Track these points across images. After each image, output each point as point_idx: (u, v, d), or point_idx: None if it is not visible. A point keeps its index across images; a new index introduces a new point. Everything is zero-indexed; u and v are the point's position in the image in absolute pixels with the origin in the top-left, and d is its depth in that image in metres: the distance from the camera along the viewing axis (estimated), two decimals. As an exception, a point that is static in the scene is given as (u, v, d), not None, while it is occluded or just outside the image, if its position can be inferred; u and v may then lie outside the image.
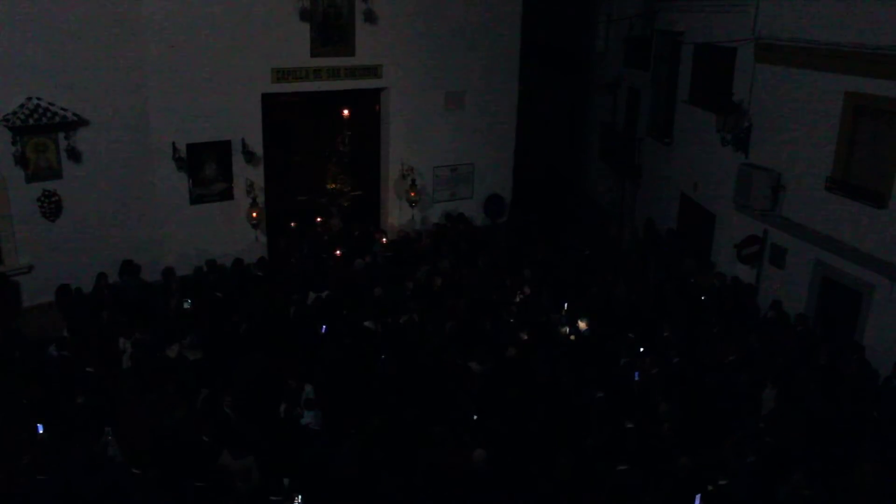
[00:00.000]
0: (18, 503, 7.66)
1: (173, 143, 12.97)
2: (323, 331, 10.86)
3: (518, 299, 12.19)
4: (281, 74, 13.75)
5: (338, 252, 13.81)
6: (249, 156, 13.69)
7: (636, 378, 9.89)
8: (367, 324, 11.08)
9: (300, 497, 7.42)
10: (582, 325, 11.03)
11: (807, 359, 10.11)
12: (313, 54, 13.94)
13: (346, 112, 14.41)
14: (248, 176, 13.82)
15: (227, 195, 13.82)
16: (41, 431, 8.36)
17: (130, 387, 9.46)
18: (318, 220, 14.67)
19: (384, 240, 14.37)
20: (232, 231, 13.92)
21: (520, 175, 17.06)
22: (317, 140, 15.30)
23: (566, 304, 11.79)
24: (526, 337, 10.82)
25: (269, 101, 13.90)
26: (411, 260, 13.57)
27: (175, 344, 10.25)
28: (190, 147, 13.17)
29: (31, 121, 11.52)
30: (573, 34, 20.55)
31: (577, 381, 9.70)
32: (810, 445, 8.44)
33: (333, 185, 14.38)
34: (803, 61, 11.21)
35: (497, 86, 15.97)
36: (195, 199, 13.54)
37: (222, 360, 10.07)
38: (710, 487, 7.84)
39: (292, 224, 14.53)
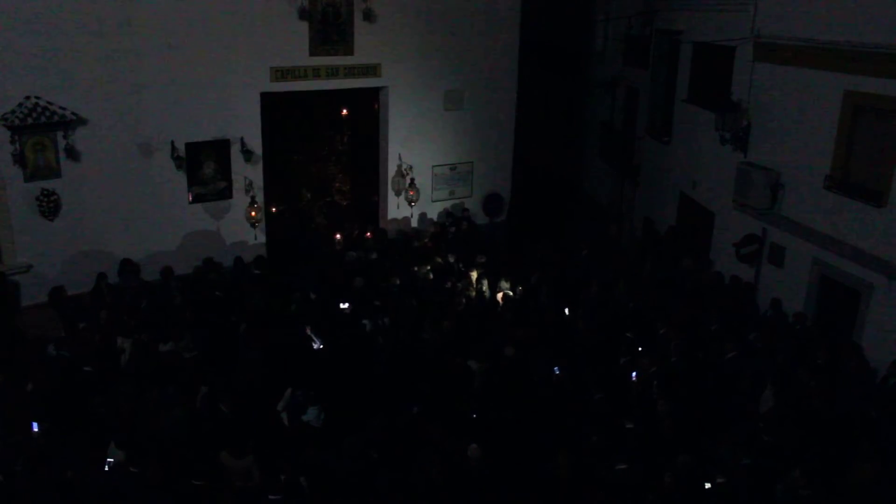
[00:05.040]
0: (18, 502, 7.66)
1: (172, 142, 12.96)
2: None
3: (517, 297, 12.22)
4: (280, 73, 13.74)
5: (338, 236, 13.98)
6: (248, 155, 13.68)
7: (633, 378, 9.89)
8: (364, 322, 11.13)
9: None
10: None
11: (805, 358, 10.12)
12: (312, 53, 13.93)
13: (344, 111, 14.41)
14: (246, 175, 13.83)
15: (225, 194, 13.82)
16: (36, 429, 8.36)
17: (129, 386, 9.44)
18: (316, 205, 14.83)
19: (369, 234, 14.48)
20: (231, 230, 13.92)
21: (519, 174, 17.06)
22: (316, 139, 15.31)
23: (566, 303, 11.81)
24: (524, 336, 10.82)
25: (267, 100, 13.90)
26: (401, 257, 13.62)
27: (173, 342, 10.26)
28: (189, 146, 13.17)
29: (29, 120, 11.51)
30: (572, 33, 20.53)
31: (577, 380, 9.71)
32: (808, 444, 8.45)
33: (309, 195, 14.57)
34: (802, 60, 11.21)
35: (496, 84, 15.97)
36: (194, 199, 13.54)
37: (221, 359, 10.07)
38: (708, 485, 7.86)
39: (274, 210, 14.48)
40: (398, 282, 12.32)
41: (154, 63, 12.57)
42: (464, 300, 12.01)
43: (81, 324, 10.89)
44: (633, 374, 9.95)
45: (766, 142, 12.15)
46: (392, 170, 15.38)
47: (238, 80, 13.33)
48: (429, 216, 15.94)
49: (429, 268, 13.25)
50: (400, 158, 15.25)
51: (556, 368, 9.77)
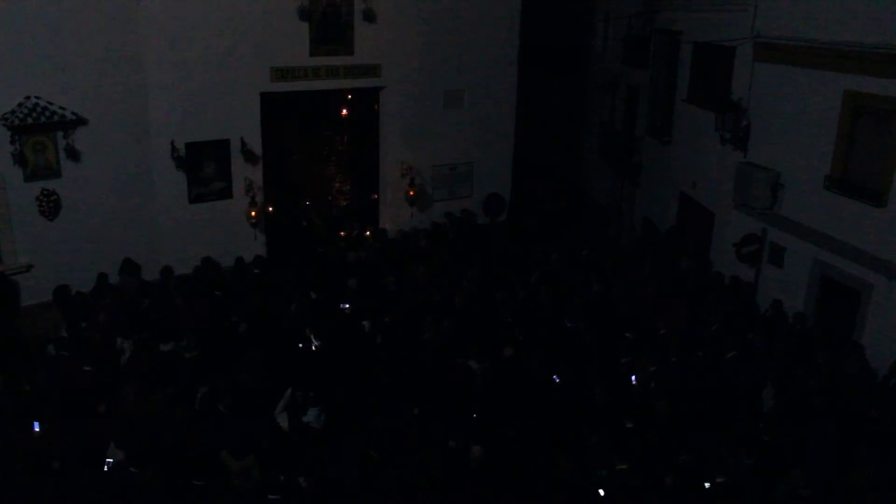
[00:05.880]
0: (17, 502, 7.66)
1: (172, 142, 12.96)
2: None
3: (517, 297, 12.21)
4: (280, 73, 13.74)
5: (342, 234, 14.08)
6: (248, 155, 13.68)
7: (633, 379, 9.89)
8: (363, 323, 11.13)
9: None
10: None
11: (805, 358, 10.12)
12: (312, 53, 13.93)
13: (344, 111, 14.41)
14: (246, 175, 13.82)
15: (225, 194, 13.82)
16: (36, 429, 8.36)
17: (129, 386, 9.44)
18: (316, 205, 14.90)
19: (367, 234, 14.46)
20: (231, 230, 13.92)
21: (519, 174, 17.06)
22: (316, 139, 15.30)
23: (566, 303, 11.80)
24: (523, 336, 10.81)
25: (267, 99, 13.90)
26: (401, 257, 13.62)
27: (173, 342, 10.26)
28: (189, 146, 13.17)
29: (29, 120, 11.50)
30: (572, 33, 20.54)
31: (577, 380, 9.71)
32: (808, 444, 8.45)
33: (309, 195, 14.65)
34: (802, 60, 11.22)
35: (496, 84, 15.97)
36: (194, 198, 13.54)
37: (221, 359, 10.07)
38: (708, 485, 7.86)
39: (269, 209, 14.51)
40: (397, 281, 12.32)
41: (154, 63, 12.57)
42: (464, 300, 11.98)
43: (83, 323, 10.89)
44: (633, 375, 9.94)
45: (766, 142, 12.16)
46: (392, 170, 15.39)
47: (238, 80, 13.33)
48: (429, 216, 15.95)
49: (429, 267, 13.24)
50: (404, 162, 15.26)
51: (555, 377, 9.74)
